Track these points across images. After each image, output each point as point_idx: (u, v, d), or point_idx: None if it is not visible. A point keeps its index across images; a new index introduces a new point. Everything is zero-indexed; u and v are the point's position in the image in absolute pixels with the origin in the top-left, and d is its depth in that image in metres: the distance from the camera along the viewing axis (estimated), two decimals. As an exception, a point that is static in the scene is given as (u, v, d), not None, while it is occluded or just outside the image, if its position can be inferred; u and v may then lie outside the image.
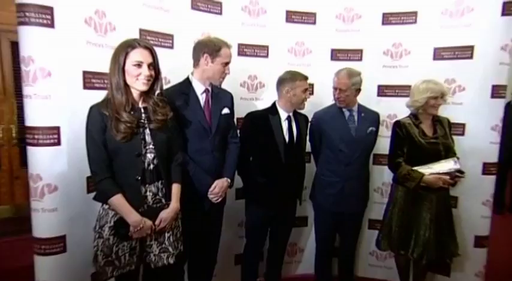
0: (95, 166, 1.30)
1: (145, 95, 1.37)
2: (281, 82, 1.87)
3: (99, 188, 1.33)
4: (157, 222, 1.39)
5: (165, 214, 1.41)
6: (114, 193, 1.30)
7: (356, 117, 2.03)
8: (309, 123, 2.09)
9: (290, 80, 1.84)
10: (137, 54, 1.27)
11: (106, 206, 1.36)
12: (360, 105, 2.06)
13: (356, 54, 2.37)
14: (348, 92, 1.95)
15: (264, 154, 1.90)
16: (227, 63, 1.70)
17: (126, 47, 1.27)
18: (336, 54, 2.39)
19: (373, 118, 2.08)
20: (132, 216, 1.32)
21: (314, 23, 2.35)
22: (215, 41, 1.67)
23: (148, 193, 1.37)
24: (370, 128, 2.04)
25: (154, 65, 1.35)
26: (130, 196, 1.32)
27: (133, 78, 1.29)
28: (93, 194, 1.46)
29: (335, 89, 1.97)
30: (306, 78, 1.88)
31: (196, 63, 1.70)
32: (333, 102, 2.08)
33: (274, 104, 1.94)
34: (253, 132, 1.89)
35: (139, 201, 1.34)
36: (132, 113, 1.31)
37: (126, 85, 1.30)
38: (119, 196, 1.30)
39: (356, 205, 2.09)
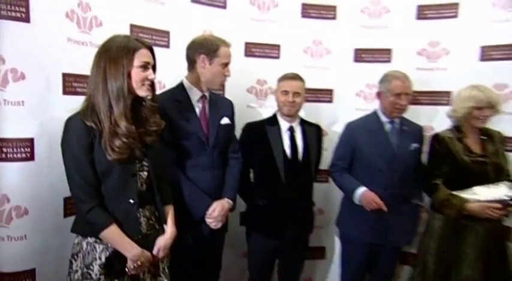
0: (81, 192, 1.21)
1: (136, 101, 1.30)
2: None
3: (88, 219, 1.22)
4: (155, 251, 1.33)
5: (164, 242, 1.36)
6: (108, 223, 1.22)
7: (398, 131, 1.92)
8: (342, 134, 1.99)
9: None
10: (143, 55, 1.24)
11: (91, 239, 1.27)
12: (401, 117, 1.95)
13: (384, 54, 2.28)
14: (410, 97, 1.88)
15: (262, 172, 1.84)
16: (227, 64, 1.65)
17: (130, 48, 1.22)
18: (360, 55, 2.31)
19: (417, 132, 1.97)
20: (132, 249, 1.25)
21: (334, 18, 2.29)
22: (212, 39, 1.64)
23: (142, 219, 1.32)
24: (414, 145, 1.92)
25: (155, 67, 1.33)
26: (124, 223, 1.26)
27: (138, 83, 1.24)
28: (70, 219, 1.38)
29: (397, 95, 1.84)
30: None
31: (191, 66, 1.66)
32: (368, 112, 2.00)
33: (274, 114, 1.90)
34: (251, 147, 1.83)
35: (135, 229, 1.29)
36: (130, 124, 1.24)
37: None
38: (113, 226, 1.23)
39: (399, 236, 1.94)
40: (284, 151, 1.82)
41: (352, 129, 1.96)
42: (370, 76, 2.15)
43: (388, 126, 1.91)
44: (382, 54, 2.28)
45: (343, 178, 1.97)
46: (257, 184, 1.90)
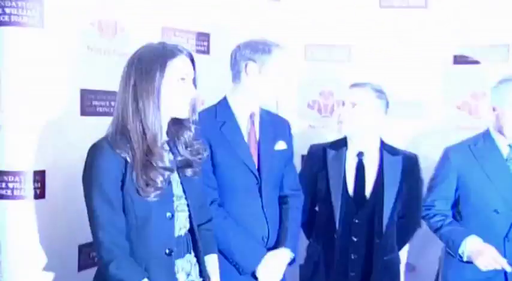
0: (107, 238, 1.08)
1: (174, 123, 1.21)
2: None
3: (113, 274, 1.09)
4: None
5: None
6: (139, 280, 1.11)
7: None
8: (439, 163, 1.68)
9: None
10: (181, 65, 1.14)
11: None
12: None
13: (499, 51, 1.92)
14: None
15: (319, 210, 1.69)
16: (282, 73, 1.52)
17: (164, 57, 1.13)
18: (463, 54, 2.01)
19: None
20: None
21: (425, 6, 2.02)
22: (262, 41, 1.51)
23: (180, 273, 1.19)
24: None
25: (195, 81, 1.23)
26: (158, 279, 1.13)
27: (175, 100, 1.15)
28: (86, 273, 1.35)
29: None
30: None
31: (236, 76, 1.52)
32: (476, 131, 1.67)
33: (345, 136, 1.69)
34: (311, 175, 1.68)
35: None
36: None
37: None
38: None
39: None
40: (345, 184, 1.60)
41: (454, 157, 1.65)
42: (478, 82, 1.87)
43: (507, 152, 1.58)
44: (496, 51, 1.92)
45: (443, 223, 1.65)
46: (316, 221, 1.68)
